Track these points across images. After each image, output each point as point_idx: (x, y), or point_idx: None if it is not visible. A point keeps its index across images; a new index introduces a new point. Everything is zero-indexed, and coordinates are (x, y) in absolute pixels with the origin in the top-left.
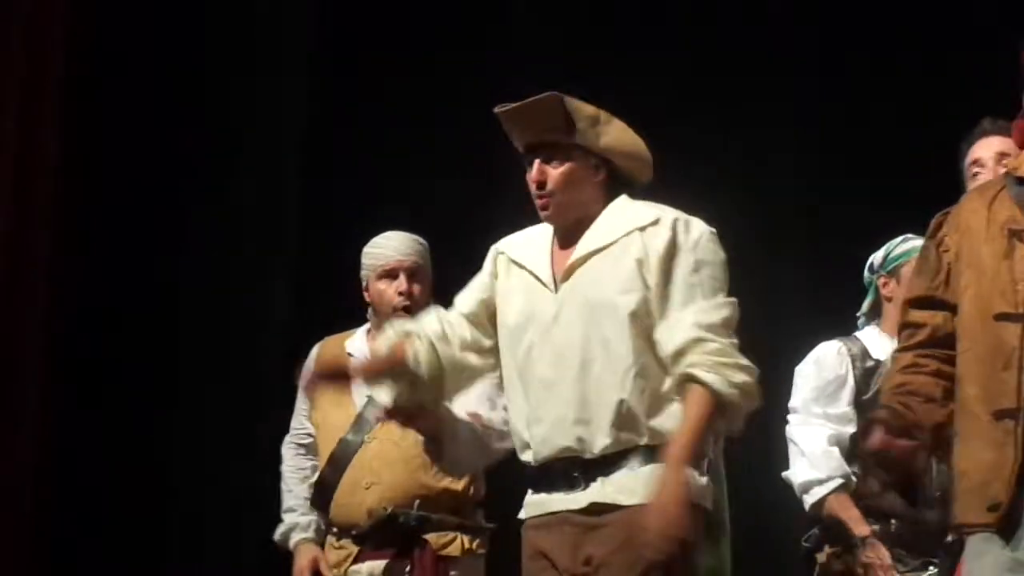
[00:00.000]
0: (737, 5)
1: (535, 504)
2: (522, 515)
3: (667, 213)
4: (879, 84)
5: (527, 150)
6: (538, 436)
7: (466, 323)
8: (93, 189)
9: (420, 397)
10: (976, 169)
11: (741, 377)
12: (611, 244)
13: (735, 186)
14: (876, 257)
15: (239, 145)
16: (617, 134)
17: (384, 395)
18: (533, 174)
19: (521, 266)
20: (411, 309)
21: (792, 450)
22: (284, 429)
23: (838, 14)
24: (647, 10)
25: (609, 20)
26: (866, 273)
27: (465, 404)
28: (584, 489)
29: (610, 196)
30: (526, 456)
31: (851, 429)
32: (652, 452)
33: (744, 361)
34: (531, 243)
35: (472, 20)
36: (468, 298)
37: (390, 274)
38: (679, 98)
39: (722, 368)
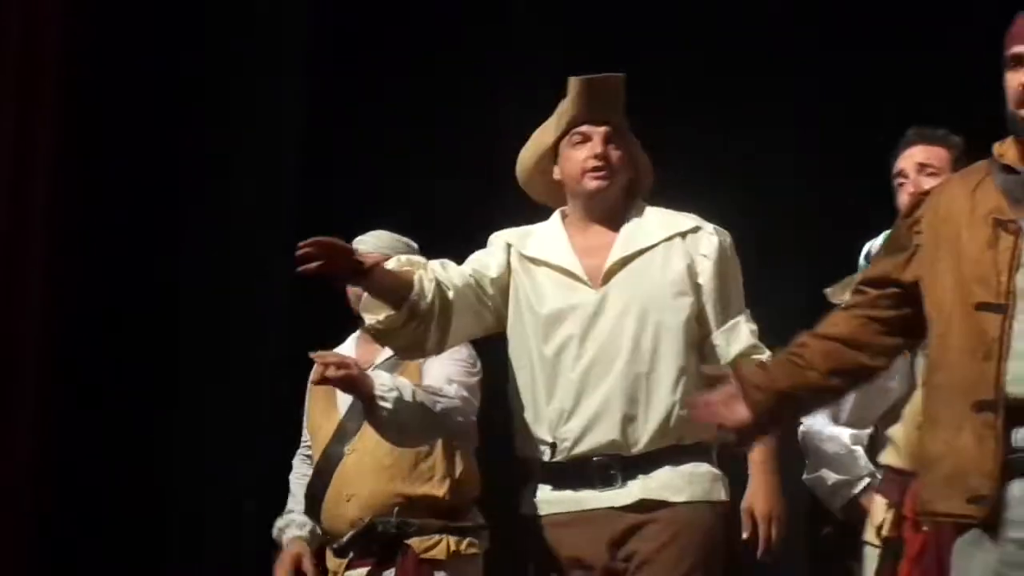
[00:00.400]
0: (737, 5)
1: (560, 501)
2: (535, 511)
3: (699, 220)
4: (879, 84)
5: (588, 123)
6: (572, 431)
7: (473, 280)
8: (92, 189)
9: (412, 330)
10: (900, 180)
11: None
12: (654, 246)
13: (735, 186)
14: (872, 245)
15: (239, 145)
16: (636, 142)
17: (376, 316)
18: (597, 146)
19: (543, 263)
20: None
21: (815, 453)
22: (284, 429)
23: (838, 14)
24: (647, 10)
25: (609, 20)
26: (861, 260)
27: (427, 379)
28: (621, 487)
29: (627, 198)
30: (544, 452)
31: (869, 428)
32: (687, 451)
33: None
34: (544, 240)
35: (472, 20)
36: (477, 265)
37: None
38: (679, 98)
39: None
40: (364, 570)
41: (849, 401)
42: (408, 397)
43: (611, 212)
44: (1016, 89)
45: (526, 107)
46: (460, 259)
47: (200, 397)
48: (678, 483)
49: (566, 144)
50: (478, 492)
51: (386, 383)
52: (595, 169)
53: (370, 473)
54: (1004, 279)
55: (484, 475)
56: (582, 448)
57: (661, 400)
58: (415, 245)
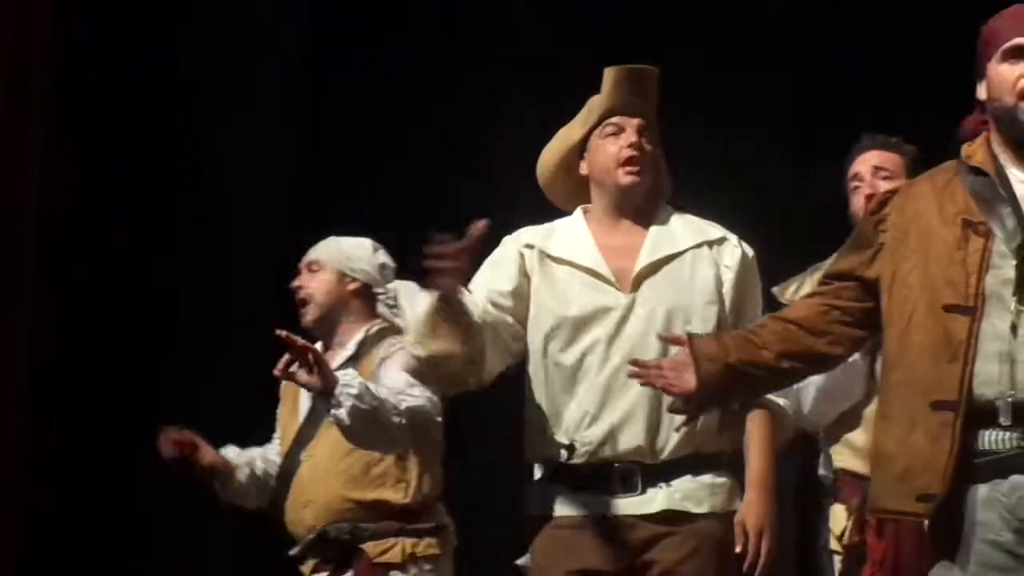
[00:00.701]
0: (737, 5)
1: (576, 504)
2: (551, 512)
3: (725, 231)
4: (879, 84)
5: (622, 115)
6: (596, 435)
7: (493, 310)
8: (87, 189)
9: (467, 355)
10: (856, 183)
11: (790, 401)
12: (682, 252)
13: (735, 186)
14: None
15: (238, 144)
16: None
17: (437, 342)
18: (632, 136)
19: (567, 263)
20: (302, 300)
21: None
22: None
23: (838, 14)
24: (647, 10)
25: (609, 20)
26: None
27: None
28: (642, 494)
29: (652, 199)
30: (561, 453)
31: (823, 427)
32: (707, 461)
33: None
34: (567, 238)
35: (472, 20)
36: (492, 285)
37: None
38: (679, 98)
39: (785, 393)
40: (325, 575)
41: (811, 396)
42: (374, 391)
43: (639, 209)
44: (1014, 82)
45: (526, 107)
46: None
47: (196, 397)
48: (700, 494)
49: (597, 136)
50: (440, 493)
51: (350, 373)
52: (629, 160)
53: (324, 480)
54: (974, 281)
55: (461, 475)
56: (605, 453)
57: None
58: (338, 243)
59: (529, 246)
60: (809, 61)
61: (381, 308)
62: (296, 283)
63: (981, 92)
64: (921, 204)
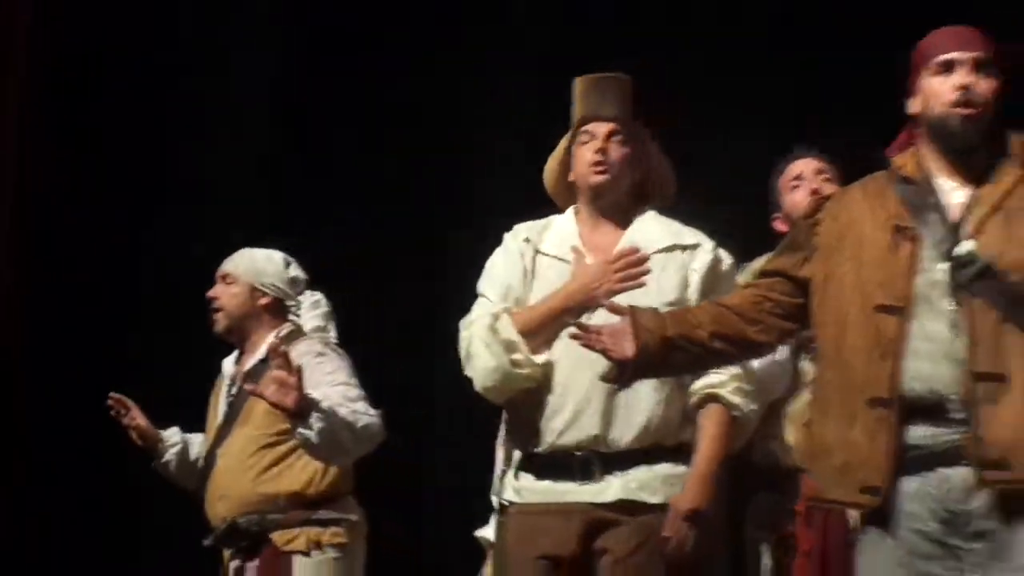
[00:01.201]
0: (737, 5)
1: (539, 491)
2: (515, 499)
3: (703, 238)
4: (879, 84)
5: (595, 121)
6: (557, 424)
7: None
8: (77, 189)
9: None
10: (796, 183)
11: (754, 405)
12: (653, 254)
13: (735, 186)
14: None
15: (236, 145)
16: (657, 151)
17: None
18: (598, 142)
19: (555, 257)
20: (215, 310)
21: None
22: None
23: (838, 14)
24: (647, 10)
25: (609, 20)
26: None
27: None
28: (599, 481)
29: (637, 204)
30: (528, 442)
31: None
32: (667, 452)
33: (756, 389)
34: (558, 235)
35: (472, 20)
36: (515, 295)
37: None
38: (679, 98)
39: (743, 393)
40: (234, 563)
41: None
42: (337, 411)
43: (616, 210)
44: (950, 92)
45: (526, 107)
46: (457, 256)
47: (189, 400)
48: (655, 484)
49: (576, 143)
50: (350, 487)
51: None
52: (595, 164)
53: (236, 475)
54: (903, 283)
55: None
56: (566, 441)
57: (642, 400)
58: (251, 254)
59: (526, 240)
60: (809, 61)
61: (291, 316)
62: (211, 293)
63: (913, 106)
64: (855, 210)
